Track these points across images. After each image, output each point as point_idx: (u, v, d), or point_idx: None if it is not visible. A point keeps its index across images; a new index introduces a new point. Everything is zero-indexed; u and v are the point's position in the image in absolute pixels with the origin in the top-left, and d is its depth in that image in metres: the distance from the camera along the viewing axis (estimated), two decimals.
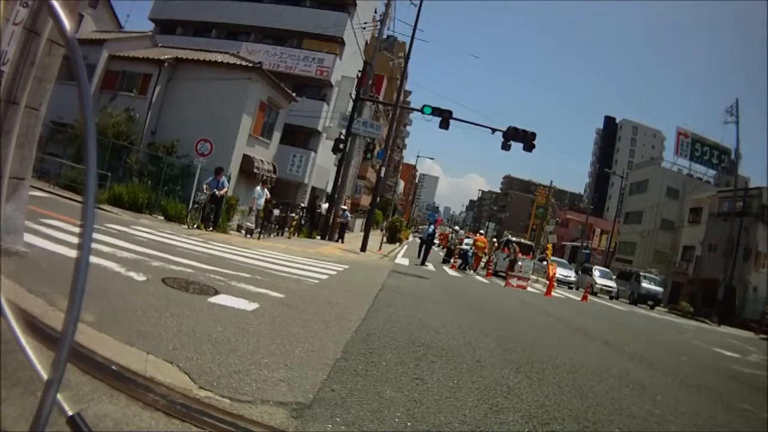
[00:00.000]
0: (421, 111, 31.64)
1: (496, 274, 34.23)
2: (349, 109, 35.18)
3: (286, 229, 29.78)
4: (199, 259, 12.59)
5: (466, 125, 35.04)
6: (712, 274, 51.73)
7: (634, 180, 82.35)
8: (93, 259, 7.85)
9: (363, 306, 10.65)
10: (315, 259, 20.39)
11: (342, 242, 33.38)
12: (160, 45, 37.15)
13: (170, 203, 23.91)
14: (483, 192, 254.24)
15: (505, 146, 31.57)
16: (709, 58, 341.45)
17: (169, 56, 31.04)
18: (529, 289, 28.89)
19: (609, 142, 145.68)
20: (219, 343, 5.78)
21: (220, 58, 31.99)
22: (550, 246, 47.08)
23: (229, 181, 25.52)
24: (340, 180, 34.94)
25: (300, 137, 46.63)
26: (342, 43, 48.09)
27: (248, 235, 24.53)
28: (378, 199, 38.13)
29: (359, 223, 56.61)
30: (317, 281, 13.43)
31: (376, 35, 38.69)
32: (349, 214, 38.18)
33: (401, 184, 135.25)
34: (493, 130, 31.88)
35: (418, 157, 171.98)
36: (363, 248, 30.14)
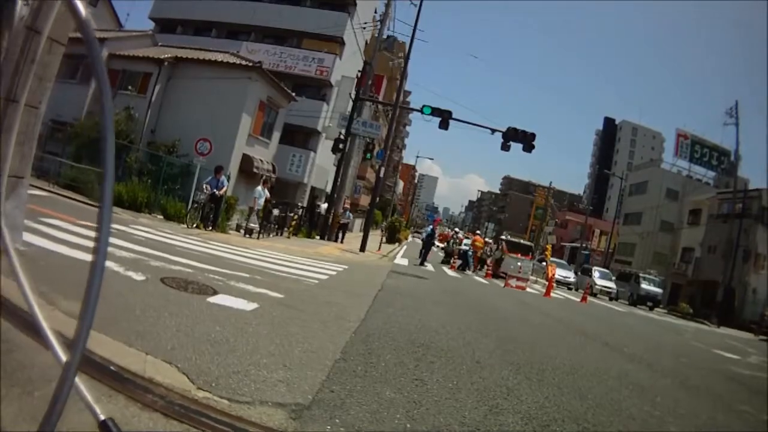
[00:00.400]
0: (421, 111, 31.63)
1: (495, 275, 34.02)
2: (349, 109, 35.14)
3: (286, 229, 29.68)
4: (199, 258, 12.55)
5: (466, 126, 35.04)
6: (711, 275, 51.64)
7: (633, 181, 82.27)
8: (90, 258, 7.78)
9: (362, 306, 10.63)
10: (314, 259, 20.37)
11: (341, 242, 33.36)
12: (160, 44, 36.99)
13: (170, 202, 23.81)
14: (482, 192, 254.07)
15: (505, 147, 31.55)
16: (709, 59, 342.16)
17: (169, 55, 30.95)
18: (528, 289, 28.89)
19: (608, 143, 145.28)
20: (218, 343, 5.76)
21: (219, 57, 31.95)
22: (549, 247, 47.15)
23: (228, 181, 25.41)
24: (339, 180, 34.89)
25: (299, 137, 46.58)
26: (342, 43, 48.06)
27: (247, 235, 24.48)
28: (377, 199, 38.13)
29: (359, 222, 56.59)
30: (316, 281, 13.41)
31: (376, 35, 38.66)
32: (350, 215, 38.14)
33: (400, 184, 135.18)
34: (493, 131, 31.92)
35: (417, 157, 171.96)
36: (362, 248, 30.10)
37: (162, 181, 24.94)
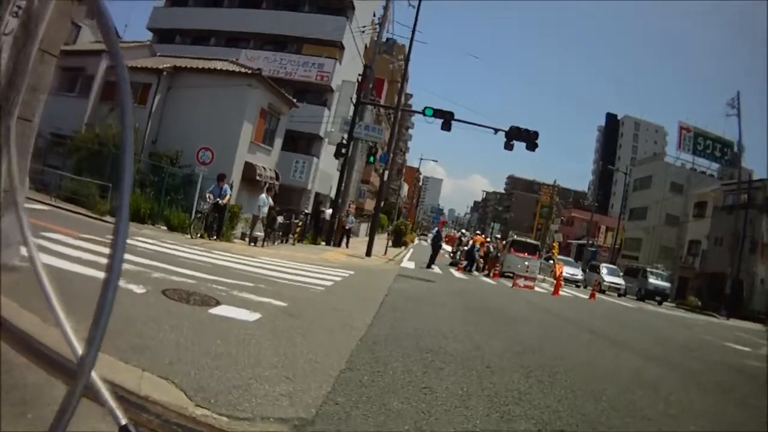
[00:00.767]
0: (423, 113, 31.37)
1: (503, 275, 33.93)
2: (350, 113, 34.98)
3: (290, 235, 29.52)
4: (201, 269, 12.37)
5: (469, 126, 34.83)
6: (718, 267, 51.22)
7: (637, 176, 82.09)
8: (91, 272, 7.61)
9: (369, 312, 10.47)
10: (320, 265, 20.21)
11: (347, 247, 33.17)
12: (158, 54, 37.10)
13: (173, 213, 23.66)
14: (487, 193, 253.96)
15: (508, 146, 31.32)
16: (708, 51, 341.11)
17: (168, 65, 30.88)
18: (536, 288, 28.70)
19: (611, 138, 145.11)
20: (219, 357, 5.59)
21: (218, 65, 31.90)
22: (556, 245, 46.94)
23: (231, 189, 25.18)
24: (343, 185, 34.71)
25: (302, 143, 46.60)
26: (341, 48, 48.03)
27: (252, 243, 24.30)
28: (382, 203, 37.95)
29: (364, 227, 56.45)
30: (322, 288, 13.25)
31: (375, 38, 38.53)
32: (354, 219, 37.96)
33: (405, 187, 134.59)
34: (496, 131, 31.61)
35: (421, 159, 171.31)
36: (368, 253, 30.00)
37: (165, 192, 24.78)
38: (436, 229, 36.26)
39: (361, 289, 14.94)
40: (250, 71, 31.34)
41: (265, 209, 24.75)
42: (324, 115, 44.98)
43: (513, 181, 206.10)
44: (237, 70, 31.41)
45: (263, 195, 25.16)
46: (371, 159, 36.89)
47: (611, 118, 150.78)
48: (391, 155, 38.35)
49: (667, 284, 46.49)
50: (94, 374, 1.63)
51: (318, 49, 48.28)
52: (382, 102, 56.24)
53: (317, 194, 48.03)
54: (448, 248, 37.87)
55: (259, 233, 24.72)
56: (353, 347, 7.12)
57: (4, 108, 6.35)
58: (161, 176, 25.35)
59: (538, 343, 10.60)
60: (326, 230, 34.54)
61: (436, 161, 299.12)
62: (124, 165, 1.49)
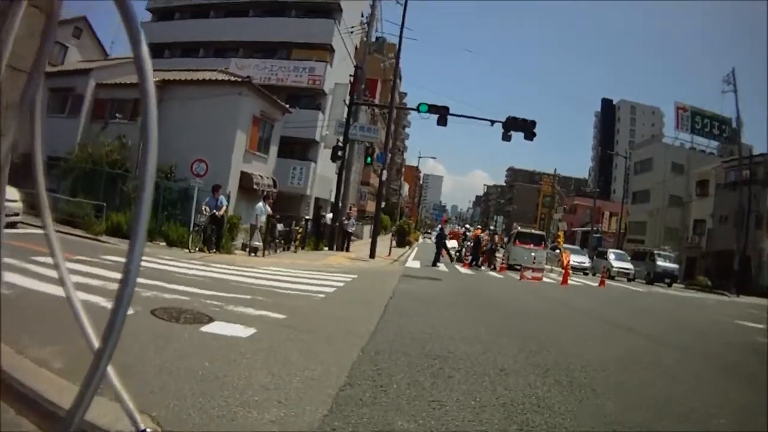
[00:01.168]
0: (417, 110, 31.26)
1: (510, 268, 33.55)
2: (344, 115, 34.56)
3: (292, 243, 29.09)
4: (197, 284, 11.93)
5: (466, 122, 34.60)
6: (725, 245, 50.80)
7: (638, 159, 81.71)
8: (81, 295, 7.14)
9: (372, 317, 9.98)
10: (322, 271, 19.82)
11: (349, 251, 32.76)
12: None
13: (171, 228, 23.28)
14: (488, 187, 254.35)
15: (506, 137, 31.08)
16: (700, 29, 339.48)
17: (156, 79, 30.13)
18: (544, 279, 28.37)
19: (608, 124, 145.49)
20: (205, 381, 5.09)
21: (207, 75, 31.62)
22: (561, 233, 46.60)
23: (228, 200, 25.11)
24: (342, 187, 34.34)
25: (298, 149, 46.25)
26: (331, 50, 47.77)
27: (252, 254, 23.89)
28: (384, 203, 37.66)
29: (367, 229, 56.06)
30: (323, 295, 12.79)
31: (365, 38, 38.21)
32: (354, 222, 37.53)
33: (406, 186, 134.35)
34: (492, 122, 31.52)
35: (419, 157, 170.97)
36: (372, 255, 29.68)
37: (162, 207, 24.36)
38: (440, 226, 35.89)
39: (364, 294, 14.48)
40: (239, 79, 31.14)
41: (263, 218, 24.37)
42: (319, 119, 44.71)
43: (513, 173, 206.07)
44: (226, 78, 31.22)
45: (260, 204, 24.80)
46: (368, 160, 36.47)
47: (607, 104, 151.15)
48: (389, 155, 38.05)
49: (675, 266, 46.29)
50: (112, 374, 1.64)
51: (308, 53, 48.07)
52: (376, 102, 55.84)
53: (317, 199, 47.72)
54: (455, 244, 37.35)
55: (258, 243, 24.30)
56: (354, 359, 6.59)
57: None
58: (157, 191, 24.87)
59: (551, 338, 10.11)
60: (328, 235, 34.15)
61: (435, 158, 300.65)
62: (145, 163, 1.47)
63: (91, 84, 31.40)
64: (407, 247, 52.95)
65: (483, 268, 33.16)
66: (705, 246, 58.47)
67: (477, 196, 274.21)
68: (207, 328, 7.52)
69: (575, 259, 41.25)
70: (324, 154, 42.96)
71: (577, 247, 55.15)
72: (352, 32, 40.81)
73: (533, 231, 45.11)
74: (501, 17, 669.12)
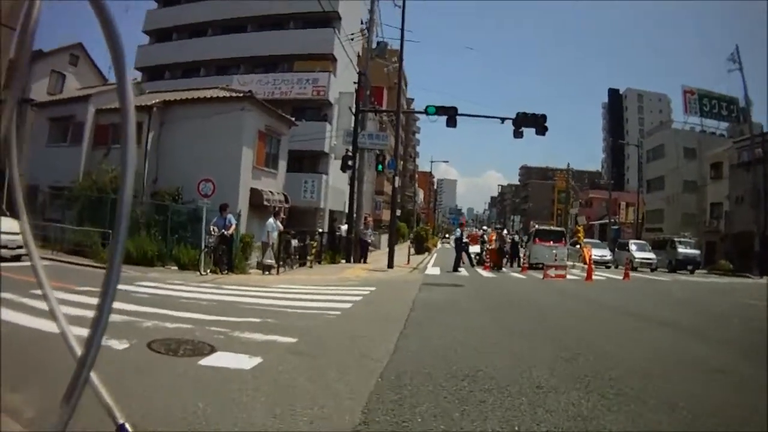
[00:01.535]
0: (425, 112, 30.96)
1: (531, 267, 32.89)
2: (352, 124, 33.97)
3: (307, 258, 28.42)
4: (204, 309, 11.22)
5: (476, 124, 34.15)
6: (744, 226, 50.00)
7: (649, 147, 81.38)
8: (76, 330, 6.32)
9: (391, 334, 9.16)
10: (338, 285, 19.12)
11: (366, 262, 32.09)
12: (147, 91, 36.56)
13: (182, 251, 22.69)
14: (502, 187, 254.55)
15: (517, 134, 30.63)
16: (701, 11, 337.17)
17: (157, 100, 30.29)
18: (568, 276, 27.65)
19: (617, 114, 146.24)
20: (195, 426, 4.34)
21: (208, 93, 31.13)
22: (581, 228, 45.46)
23: (239, 218, 24.48)
24: (355, 197, 33.69)
25: (308, 162, 46.14)
26: (333, 59, 47.54)
27: (267, 272, 23.23)
28: (400, 211, 37.16)
29: (385, 238, 55.57)
30: (339, 312, 11.95)
31: (366, 44, 37.72)
32: (371, 231, 36.89)
33: (420, 193, 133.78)
34: (503, 120, 30.92)
35: (431, 162, 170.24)
36: (390, 265, 28.91)
37: (171, 231, 23.91)
38: (458, 230, 35.23)
39: (382, 307, 13.68)
40: (241, 95, 30.69)
41: (275, 234, 23.69)
42: (326, 130, 44.29)
43: (527, 171, 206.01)
44: (227, 95, 30.79)
45: (270, 220, 24.14)
46: (380, 167, 35.87)
47: (614, 93, 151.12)
48: (401, 162, 37.52)
49: (696, 251, 45.60)
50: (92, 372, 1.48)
51: (310, 64, 47.96)
52: (383, 109, 55.43)
53: (332, 212, 47.20)
54: (477, 249, 36.78)
55: (271, 260, 23.61)
56: (372, 388, 5.75)
57: None
58: (165, 214, 24.60)
59: (586, 341, 9.34)
60: (344, 247, 33.50)
61: (447, 162, 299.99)
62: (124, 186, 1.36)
63: (91, 110, 30.91)
64: (426, 253, 52.35)
65: (504, 270, 32.59)
66: (723, 229, 57.69)
67: (492, 197, 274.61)
68: (207, 361, 6.79)
69: (596, 253, 40.35)
70: (335, 165, 42.36)
71: (597, 241, 54.38)
72: (352, 39, 40.19)
73: (552, 228, 44.66)
74: (500, 16, 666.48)
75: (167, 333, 8.36)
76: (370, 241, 35.81)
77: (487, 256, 33.73)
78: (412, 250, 42.53)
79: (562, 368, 7.12)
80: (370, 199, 60.18)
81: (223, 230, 21.63)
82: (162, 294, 13.54)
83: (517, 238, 39.82)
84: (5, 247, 17.86)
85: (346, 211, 35.42)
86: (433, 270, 30.37)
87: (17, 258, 18.01)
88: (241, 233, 24.97)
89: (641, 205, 73.87)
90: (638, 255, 42.87)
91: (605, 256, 44.92)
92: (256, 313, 11.07)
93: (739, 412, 5.58)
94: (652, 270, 41.55)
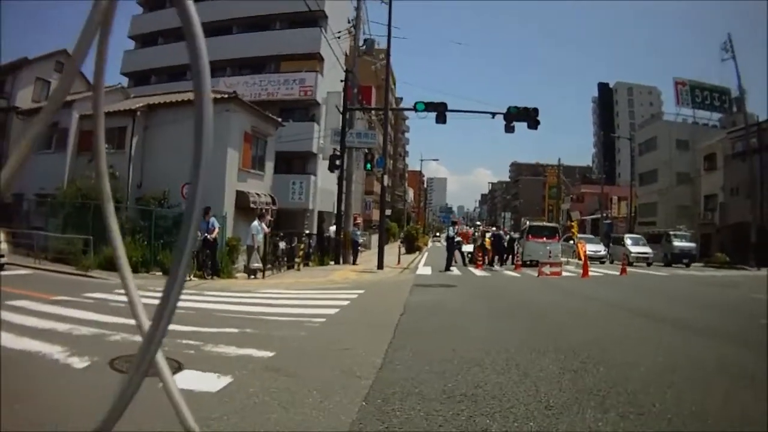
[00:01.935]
0: (414, 109, 30.39)
1: (525, 264, 32.61)
2: (340, 123, 33.41)
3: (295, 260, 27.79)
4: (179, 319, 10.32)
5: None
6: (739, 217, 49.74)
7: (641, 140, 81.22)
8: (32, 344, 5.73)
9: (380, 345, 8.36)
10: (326, 288, 18.51)
11: (356, 263, 31.55)
12: (132, 96, 36.63)
13: (167, 256, 21.97)
14: (492, 184, 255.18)
15: (509, 128, 30.16)
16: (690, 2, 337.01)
17: (141, 104, 30.00)
18: (563, 273, 27.13)
19: (607, 108, 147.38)
20: None
21: (192, 95, 30.28)
22: (575, 223, 45.11)
23: (225, 221, 24.37)
24: (344, 197, 33.10)
25: (297, 163, 45.78)
26: (320, 59, 46.95)
27: (252, 276, 22.61)
28: (390, 210, 36.74)
29: (375, 238, 55.18)
30: (324, 319, 11.21)
31: (353, 42, 37.23)
32: (359, 231, 36.29)
33: (410, 192, 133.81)
34: (493, 114, 30.45)
35: (421, 160, 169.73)
36: (380, 265, 28.30)
37: (156, 236, 23.27)
38: (452, 228, 34.78)
39: (371, 312, 12.95)
40: (225, 95, 29.92)
41: (260, 237, 23.14)
42: (314, 130, 43.98)
43: (517, 168, 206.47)
44: (212, 96, 29.83)
45: (255, 222, 23.61)
46: (368, 166, 35.22)
47: (603, 87, 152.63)
48: (391, 161, 37.06)
49: (692, 245, 45.15)
50: (165, 367, 1.43)
51: (297, 64, 47.55)
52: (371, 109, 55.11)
53: (321, 213, 46.53)
54: (470, 248, 36.39)
55: (257, 264, 23.01)
56: (354, 416, 4.97)
57: None
58: (150, 219, 24.04)
59: (594, 346, 8.56)
60: (333, 248, 32.86)
61: (437, 160, 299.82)
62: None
63: (75, 116, 30.39)
64: (417, 252, 52.27)
65: (497, 268, 32.54)
66: (718, 221, 57.47)
67: (482, 195, 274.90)
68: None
69: (591, 248, 39.81)
70: (324, 166, 41.79)
71: (591, 236, 54.05)
72: (339, 37, 39.62)
73: (546, 224, 44.35)
74: (488, 11, 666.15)
75: (135, 347, 7.63)
76: (360, 241, 35.22)
77: (479, 255, 33.33)
78: (403, 250, 42.32)
79: (571, 381, 6.36)
80: (360, 199, 59.93)
81: (206, 234, 21.15)
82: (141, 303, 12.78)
83: (515, 234, 39.68)
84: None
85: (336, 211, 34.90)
86: (424, 270, 29.82)
87: (0, 267, 17.73)
88: (228, 236, 24.74)
89: (634, 198, 73.46)
90: (634, 249, 42.47)
91: (599, 251, 44.50)
92: (234, 322, 10.37)
93: None
94: (648, 264, 41.11)
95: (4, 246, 18.49)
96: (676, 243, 43.86)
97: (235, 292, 16.48)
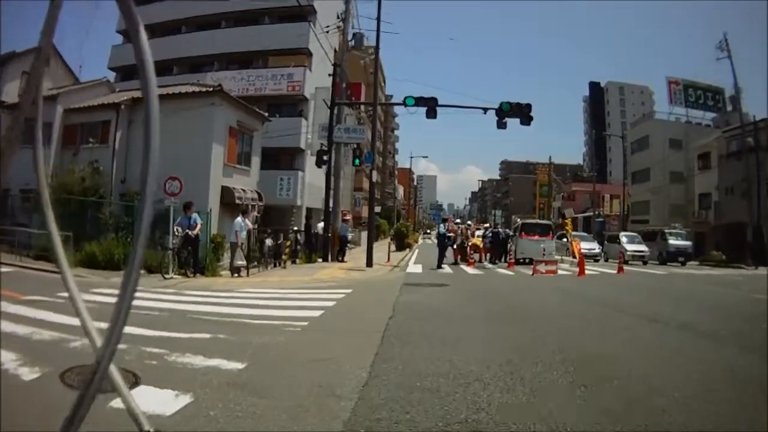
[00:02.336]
0: (404, 104, 29.47)
1: (518, 262, 32.18)
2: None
3: (282, 257, 27.11)
4: (149, 322, 9.45)
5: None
6: (734, 217, 49.68)
7: (633, 138, 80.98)
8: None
9: (365, 355, 7.47)
10: (311, 288, 17.70)
11: (344, 260, 30.92)
12: (118, 90, 36.03)
13: (149, 254, 21.21)
14: (482, 182, 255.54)
15: (501, 124, 29.45)
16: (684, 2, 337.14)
17: (126, 98, 29.35)
18: (559, 272, 26.38)
19: (598, 107, 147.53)
20: None
21: (177, 89, 29.66)
22: (569, 220, 44.12)
23: (209, 217, 23.73)
24: (331, 192, 32.43)
25: (285, 159, 45.46)
26: (309, 54, 46.50)
27: (236, 275, 21.85)
28: (380, 208, 36.21)
29: (365, 235, 54.74)
30: (306, 322, 10.33)
31: (342, 37, 36.63)
32: (347, 227, 35.62)
33: (400, 189, 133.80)
34: (485, 110, 29.62)
35: (411, 157, 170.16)
36: (369, 263, 27.55)
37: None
38: (441, 225, 34.18)
39: (357, 315, 12.15)
40: (210, 89, 29.35)
41: (243, 234, 22.31)
42: (302, 126, 43.46)
43: (507, 166, 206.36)
44: (197, 90, 29.44)
45: (239, 219, 22.76)
46: (356, 161, 34.44)
47: (595, 87, 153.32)
48: (381, 158, 36.58)
49: (688, 243, 44.64)
50: (116, 373, 1.45)
51: (285, 59, 47.10)
52: (362, 107, 54.68)
53: (309, 209, 45.69)
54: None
55: (241, 262, 22.22)
56: None
57: None
58: (132, 215, 23.47)
59: (605, 358, 7.71)
60: (321, 245, 32.14)
61: (427, 157, 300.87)
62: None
63: (59, 110, 29.88)
64: (407, 249, 51.61)
65: (489, 265, 32.00)
66: (713, 220, 57.26)
67: (473, 192, 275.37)
68: (120, 402, 5.16)
69: (585, 246, 39.15)
70: (312, 162, 41.27)
71: (584, 234, 53.35)
72: (327, 32, 38.99)
73: (539, 221, 43.96)
74: (479, 7, 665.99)
75: (93, 358, 6.83)
76: (348, 237, 34.59)
77: (471, 252, 32.73)
78: (393, 247, 41.63)
79: (587, 401, 5.53)
80: (350, 196, 59.79)
81: (188, 230, 20.40)
82: (106, 302, 11.96)
83: (509, 232, 39.32)
84: None
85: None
86: (414, 268, 29.11)
87: None
88: (212, 233, 24.09)
89: (626, 196, 73.18)
90: (630, 247, 41.94)
91: (593, 249, 43.84)
92: (208, 326, 9.54)
93: None
94: (644, 263, 40.62)
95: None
96: (672, 241, 43.46)
97: (215, 292, 15.70)
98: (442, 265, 28.81)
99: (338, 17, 37.81)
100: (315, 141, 34.38)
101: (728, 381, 6.50)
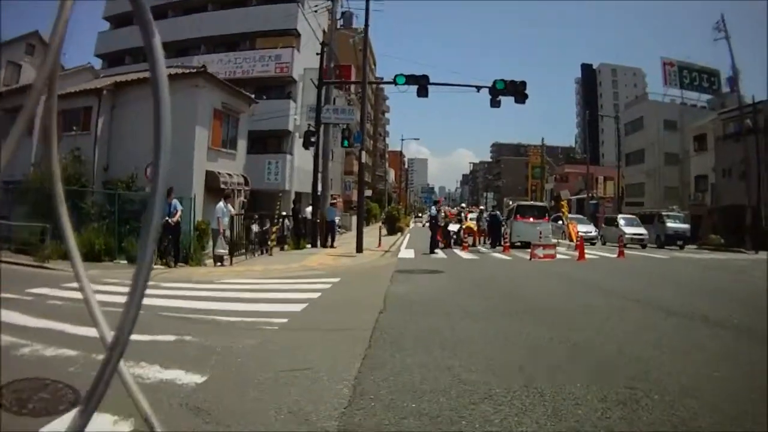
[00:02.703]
0: (394, 83, 28.65)
1: (513, 246, 31.18)
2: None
3: (268, 244, 26.27)
4: (110, 322, 8.47)
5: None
6: (731, 199, 48.95)
7: (627, 120, 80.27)
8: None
9: (351, 360, 6.43)
10: (297, 277, 16.72)
11: (334, 246, 30.25)
12: (102, 76, 35.92)
13: (133, 244, 20.22)
14: (474, 164, 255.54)
15: (495, 103, 28.78)
16: None
17: (108, 83, 28.57)
18: (558, 256, 25.67)
19: (590, 89, 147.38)
20: None
21: None
22: (565, 203, 43.34)
23: (193, 203, 22.82)
24: (320, 175, 31.60)
25: (273, 142, 45.05)
26: (297, 35, 46.23)
27: (218, 263, 20.95)
28: (371, 191, 35.40)
29: (356, 219, 54.08)
30: (285, 319, 9.29)
31: (331, 16, 35.71)
32: (335, 211, 34.79)
33: (391, 172, 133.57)
34: (479, 88, 28.79)
35: (402, 139, 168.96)
36: (359, 248, 26.78)
37: (123, 221, 21.68)
38: (433, 208, 33.43)
39: (344, 309, 11.00)
40: (194, 70, 28.48)
41: (226, 220, 21.35)
42: (291, 108, 42.56)
43: (498, 148, 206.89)
44: (180, 71, 28.27)
45: (220, 204, 21.79)
46: (345, 143, 33.50)
47: (587, 69, 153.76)
48: (369, 138, 35.62)
49: (686, 226, 44.17)
50: (127, 373, 1.53)
51: (273, 40, 46.64)
52: (352, 89, 53.87)
53: (298, 194, 44.89)
54: (456, 228, 34.99)
55: (223, 250, 21.25)
56: None
57: None
58: (116, 204, 22.35)
59: (635, 365, 6.46)
60: (309, 230, 31.25)
61: (418, 139, 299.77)
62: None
63: (42, 99, 28.44)
64: (399, 234, 50.87)
65: (484, 249, 31.73)
66: (710, 202, 56.80)
67: (464, 175, 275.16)
68: (50, 427, 4.21)
69: (582, 229, 38.36)
70: (300, 145, 40.55)
71: (581, 217, 52.57)
72: (316, 11, 38.07)
73: (535, 203, 43.27)
74: None
75: (38, 367, 5.87)
76: (336, 221, 33.80)
77: (465, 235, 31.90)
78: (384, 231, 41.25)
79: (626, 421, 4.50)
80: (340, 179, 59.56)
81: (168, 218, 19.26)
82: (75, 298, 10.90)
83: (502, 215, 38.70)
84: None
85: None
86: (406, 253, 28.23)
87: None
88: (197, 220, 23.08)
89: (620, 178, 72.57)
90: (628, 230, 40.66)
91: (590, 232, 43.24)
92: (176, 326, 8.51)
93: None
94: (643, 246, 39.79)
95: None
96: (670, 224, 43.05)
97: (193, 284, 14.72)
98: (436, 250, 28.06)
99: None
100: (303, 123, 33.78)
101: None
